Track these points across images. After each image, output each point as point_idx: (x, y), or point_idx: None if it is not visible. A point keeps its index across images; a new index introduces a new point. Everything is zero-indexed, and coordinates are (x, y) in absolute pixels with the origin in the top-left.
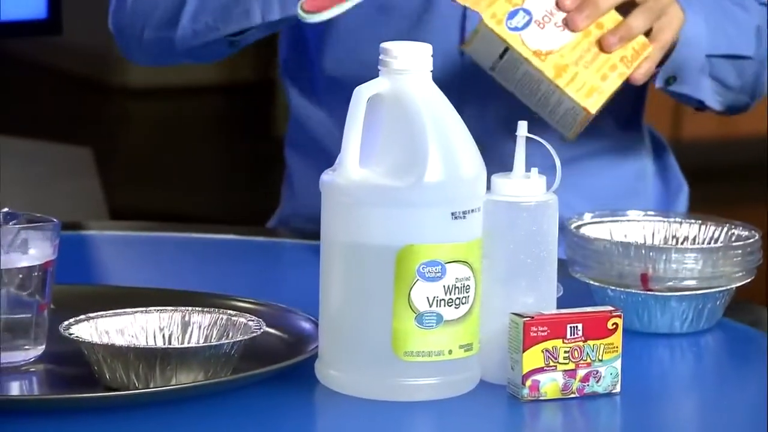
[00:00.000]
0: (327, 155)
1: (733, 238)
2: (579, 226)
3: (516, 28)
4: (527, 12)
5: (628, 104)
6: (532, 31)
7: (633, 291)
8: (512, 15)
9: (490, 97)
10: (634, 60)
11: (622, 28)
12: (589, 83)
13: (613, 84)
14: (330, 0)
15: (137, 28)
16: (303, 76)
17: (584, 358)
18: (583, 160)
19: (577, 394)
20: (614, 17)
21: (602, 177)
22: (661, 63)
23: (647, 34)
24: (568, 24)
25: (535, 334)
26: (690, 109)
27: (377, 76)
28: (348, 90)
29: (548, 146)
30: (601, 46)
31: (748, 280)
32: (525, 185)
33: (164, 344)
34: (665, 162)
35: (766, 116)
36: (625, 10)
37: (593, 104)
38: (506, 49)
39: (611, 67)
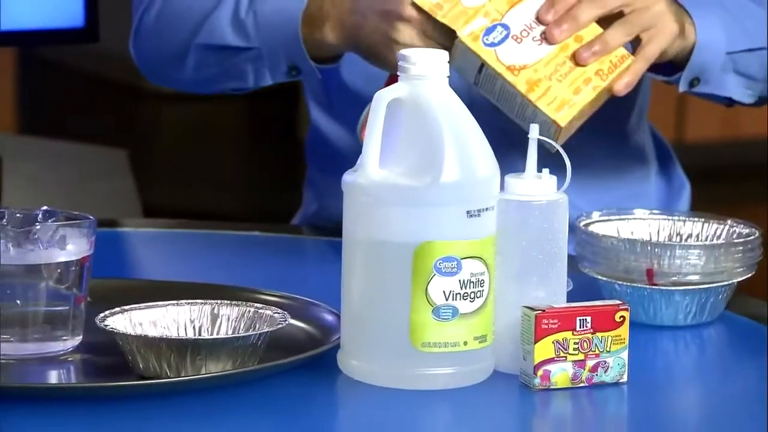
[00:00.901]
0: (344, 160)
1: (734, 236)
2: (588, 224)
3: (492, 44)
4: (505, 27)
5: (630, 109)
6: (508, 46)
7: (639, 285)
8: (489, 31)
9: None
10: (610, 73)
11: (597, 42)
12: (560, 97)
13: (586, 97)
14: None
15: (148, 69)
16: (320, 90)
17: (593, 350)
18: (590, 165)
19: (586, 384)
20: (594, 30)
21: (607, 180)
22: (681, 67)
23: (636, 45)
24: (546, 37)
25: (546, 327)
26: (693, 111)
27: None
28: (363, 103)
29: (559, 148)
30: (575, 57)
31: (749, 275)
32: (536, 185)
33: (194, 335)
34: (668, 163)
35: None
36: (610, 22)
37: (563, 117)
38: (483, 65)
39: (585, 81)
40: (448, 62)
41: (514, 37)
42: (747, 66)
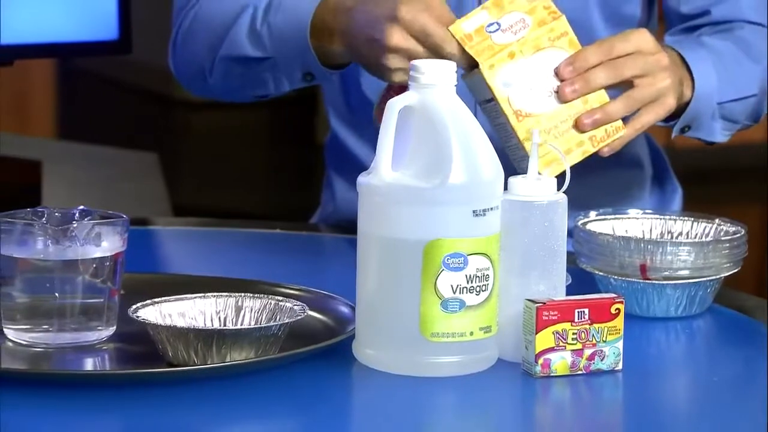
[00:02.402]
0: (359, 164)
1: (722, 234)
2: (585, 223)
3: (508, 84)
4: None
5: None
6: (521, 91)
7: (633, 280)
8: (509, 71)
9: None
10: (602, 141)
11: (599, 112)
12: (551, 154)
13: (574, 158)
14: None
15: (185, 80)
16: (340, 100)
17: (590, 340)
18: (587, 172)
19: (583, 371)
20: (600, 96)
21: (606, 190)
22: (675, 117)
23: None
24: (557, 92)
25: (546, 318)
26: None
27: None
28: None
29: (559, 152)
30: (576, 122)
31: (735, 270)
32: (538, 186)
33: (220, 326)
34: (662, 169)
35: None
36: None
37: (549, 173)
38: (492, 98)
39: (578, 143)
40: (463, 76)
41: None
42: (732, 112)
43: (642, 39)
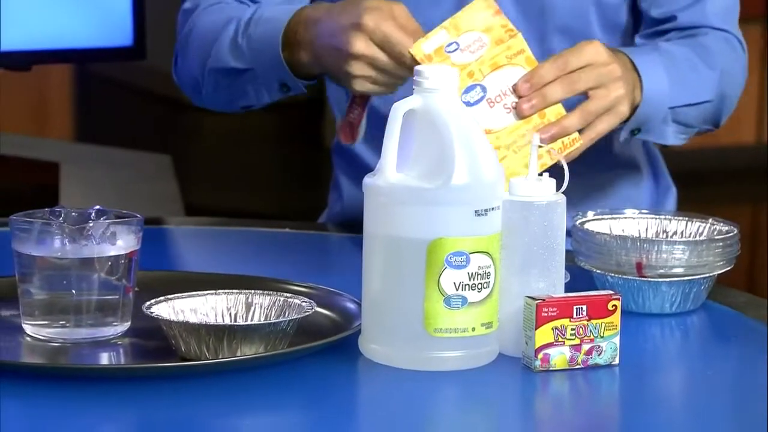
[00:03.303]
0: (365, 166)
1: (715, 233)
2: (583, 223)
3: (468, 102)
4: (483, 89)
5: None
6: (481, 108)
7: (629, 277)
8: (469, 89)
9: None
10: (560, 153)
11: (556, 126)
12: (512, 168)
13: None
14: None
15: (186, 91)
16: (342, 103)
17: (588, 335)
18: (586, 174)
19: (582, 366)
20: (557, 109)
21: (603, 190)
22: (624, 121)
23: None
24: (515, 108)
25: (546, 314)
26: None
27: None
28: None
29: (560, 158)
30: None
31: (728, 268)
32: (538, 187)
33: (231, 322)
34: (657, 168)
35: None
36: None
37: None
38: None
39: (537, 157)
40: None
41: (489, 101)
42: (686, 117)
43: (595, 51)
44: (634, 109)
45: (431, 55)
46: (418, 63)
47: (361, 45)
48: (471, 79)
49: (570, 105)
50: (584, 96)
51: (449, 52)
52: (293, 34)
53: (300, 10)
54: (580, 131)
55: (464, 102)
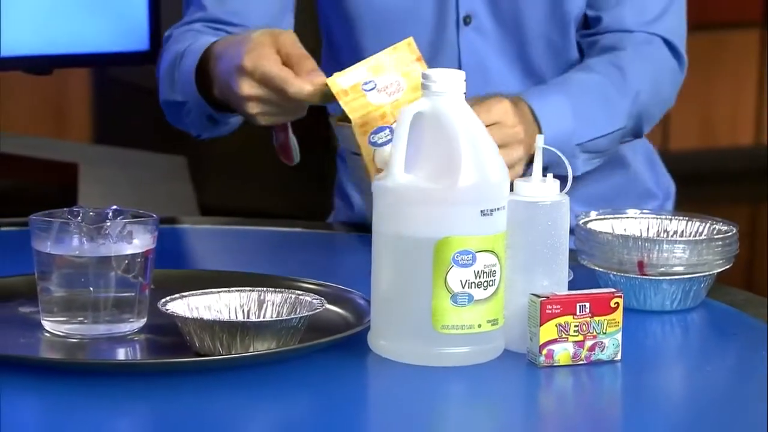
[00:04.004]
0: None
1: (715, 232)
2: (586, 222)
3: (374, 143)
4: (392, 132)
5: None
6: (387, 150)
7: (631, 276)
8: (378, 131)
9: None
10: None
11: None
12: None
13: None
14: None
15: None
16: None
17: (591, 332)
18: (585, 173)
19: (584, 361)
20: None
21: (601, 185)
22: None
23: None
24: None
25: (550, 311)
26: (676, 124)
27: None
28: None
29: (562, 157)
30: None
31: (727, 267)
32: (542, 188)
33: (243, 318)
34: (656, 168)
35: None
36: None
37: None
38: (359, 154)
39: None
40: (337, 120)
41: None
42: (597, 146)
43: (503, 111)
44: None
45: (347, 90)
46: (306, 85)
47: (246, 87)
48: (382, 120)
49: None
50: None
51: (366, 90)
52: (206, 67)
53: (213, 43)
54: None
55: (370, 142)
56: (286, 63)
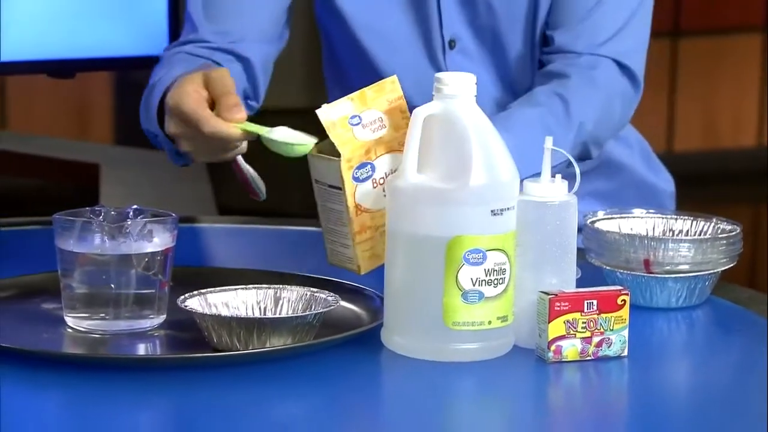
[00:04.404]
0: None
1: (719, 231)
2: (594, 222)
3: (357, 179)
4: (372, 168)
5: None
6: (366, 187)
7: (637, 274)
8: (361, 166)
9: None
10: None
11: None
12: (374, 250)
13: None
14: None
15: None
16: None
17: (598, 328)
18: (589, 174)
19: (592, 357)
20: None
21: (601, 184)
22: None
23: None
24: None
25: (558, 308)
26: (680, 126)
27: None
28: None
29: (570, 158)
30: None
31: (731, 265)
32: (551, 188)
33: (260, 315)
34: (653, 164)
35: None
36: None
37: (365, 267)
38: (340, 188)
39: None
40: (312, 152)
41: (373, 181)
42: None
43: None
44: None
45: (336, 122)
46: (214, 123)
47: (171, 126)
48: (366, 156)
49: None
50: None
51: (352, 125)
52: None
53: (177, 78)
54: None
55: (353, 178)
56: (212, 99)
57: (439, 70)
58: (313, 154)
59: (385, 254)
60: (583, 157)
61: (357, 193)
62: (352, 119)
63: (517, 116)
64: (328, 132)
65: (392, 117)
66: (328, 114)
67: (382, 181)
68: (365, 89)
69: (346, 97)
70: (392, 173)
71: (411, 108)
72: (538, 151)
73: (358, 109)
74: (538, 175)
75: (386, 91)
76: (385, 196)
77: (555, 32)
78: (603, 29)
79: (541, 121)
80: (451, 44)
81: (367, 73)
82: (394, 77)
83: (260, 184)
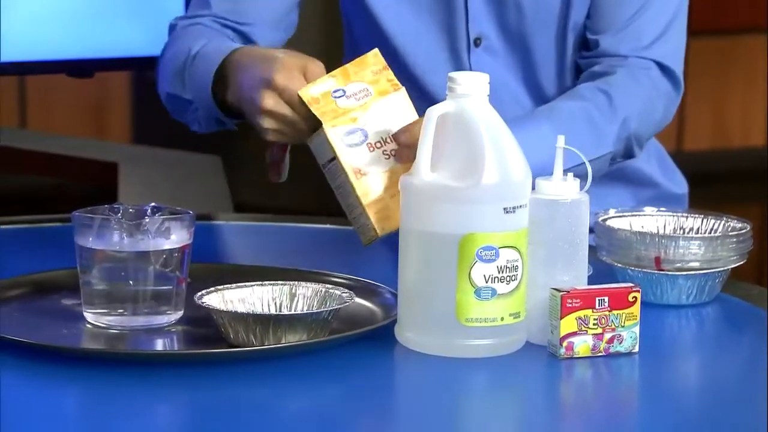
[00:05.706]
0: None
1: (729, 229)
2: (605, 219)
3: (349, 145)
4: (364, 133)
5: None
6: (361, 151)
7: (648, 271)
8: (350, 132)
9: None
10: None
11: None
12: (388, 211)
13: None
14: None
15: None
16: None
17: (609, 325)
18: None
19: (603, 353)
20: None
21: (617, 189)
22: None
23: None
24: (395, 155)
25: (570, 305)
26: (691, 125)
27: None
28: None
29: (582, 157)
30: None
31: (741, 262)
32: (563, 186)
33: (276, 311)
34: (669, 169)
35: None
36: None
37: (382, 229)
38: (334, 158)
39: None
40: (308, 140)
41: (369, 145)
42: (582, 171)
43: None
44: None
45: (318, 97)
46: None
47: (270, 102)
48: (354, 123)
49: None
50: None
51: (335, 97)
52: (225, 74)
53: (235, 50)
54: None
55: (346, 144)
56: None
57: (462, 67)
58: (310, 138)
59: (398, 214)
60: (626, 154)
61: (353, 158)
62: (335, 93)
63: (560, 108)
64: (310, 107)
65: (378, 85)
66: (309, 91)
67: (379, 145)
68: (347, 65)
69: (328, 74)
70: (390, 137)
71: (437, 102)
72: (583, 142)
73: (341, 83)
74: (582, 167)
75: (369, 65)
76: (387, 158)
77: (599, 36)
78: (647, 33)
79: (584, 113)
80: (477, 42)
81: (390, 67)
82: (376, 50)
83: (287, 168)
